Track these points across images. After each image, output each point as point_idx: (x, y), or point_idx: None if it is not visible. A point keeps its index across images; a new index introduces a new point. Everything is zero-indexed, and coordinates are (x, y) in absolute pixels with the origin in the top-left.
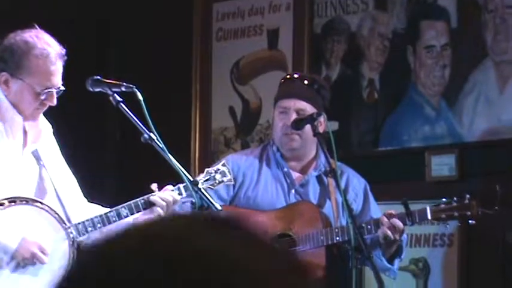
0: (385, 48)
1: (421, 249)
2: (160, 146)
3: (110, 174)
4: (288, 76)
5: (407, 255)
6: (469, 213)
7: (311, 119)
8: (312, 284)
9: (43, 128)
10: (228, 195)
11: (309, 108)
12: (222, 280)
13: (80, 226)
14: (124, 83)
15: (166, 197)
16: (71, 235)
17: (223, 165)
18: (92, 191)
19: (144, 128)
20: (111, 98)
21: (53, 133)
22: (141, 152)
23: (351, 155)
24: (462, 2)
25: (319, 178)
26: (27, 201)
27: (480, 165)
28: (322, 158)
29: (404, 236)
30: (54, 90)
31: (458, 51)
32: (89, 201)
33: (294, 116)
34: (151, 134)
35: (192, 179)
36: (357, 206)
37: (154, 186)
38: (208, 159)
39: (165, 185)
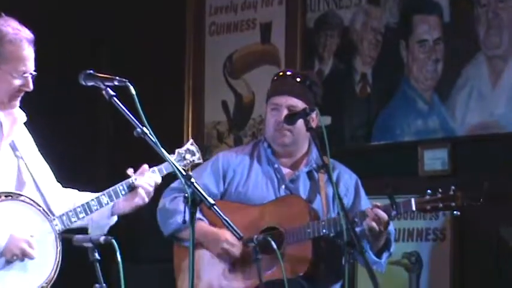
0: (377, 42)
1: (413, 244)
2: (153, 140)
3: (102, 168)
4: (281, 73)
5: (400, 250)
6: (453, 204)
7: (304, 114)
8: None
9: (18, 117)
10: (218, 190)
11: (300, 105)
12: None
13: (64, 217)
14: (117, 77)
15: (150, 182)
16: (56, 227)
17: (192, 144)
18: (84, 185)
19: (136, 122)
20: (104, 92)
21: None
22: (133, 147)
23: (343, 149)
24: None
25: (309, 174)
26: (11, 196)
27: (472, 159)
28: (314, 154)
29: (392, 229)
30: (29, 75)
31: (451, 45)
32: (63, 186)
33: (285, 113)
34: (144, 128)
35: (185, 174)
36: (347, 201)
37: (130, 171)
38: (201, 153)
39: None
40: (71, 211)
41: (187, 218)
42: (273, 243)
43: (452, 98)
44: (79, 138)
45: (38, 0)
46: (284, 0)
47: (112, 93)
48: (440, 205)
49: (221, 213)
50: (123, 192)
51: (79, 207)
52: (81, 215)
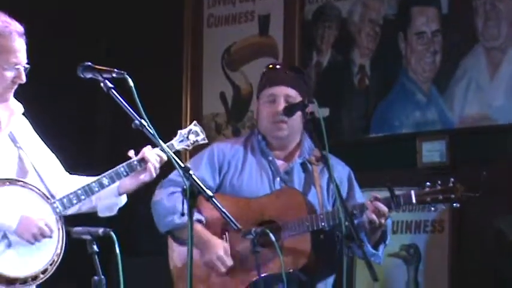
0: (376, 34)
1: (412, 236)
2: (151, 132)
3: (100, 161)
4: (270, 66)
5: (399, 242)
6: (453, 196)
7: (302, 106)
8: None
9: (14, 109)
10: (214, 183)
11: (296, 95)
12: None
13: (65, 200)
14: (115, 70)
15: (157, 157)
16: (57, 209)
17: (195, 125)
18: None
19: (135, 114)
20: (102, 85)
21: (24, 113)
22: (132, 139)
23: (342, 141)
24: None
25: (303, 165)
26: (10, 181)
27: (471, 151)
28: (306, 145)
29: (389, 221)
30: (21, 67)
31: (449, 37)
32: (70, 173)
33: (282, 103)
34: (143, 121)
35: (183, 165)
36: (341, 193)
37: (131, 153)
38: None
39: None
40: (71, 193)
41: (185, 210)
42: (271, 235)
43: (451, 90)
44: (78, 131)
45: None
46: None
47: (110, 85)
48: (440, 197)
49: (220, 206)
50: (124, 174)
51: (80, 189)
52: (82, 197)
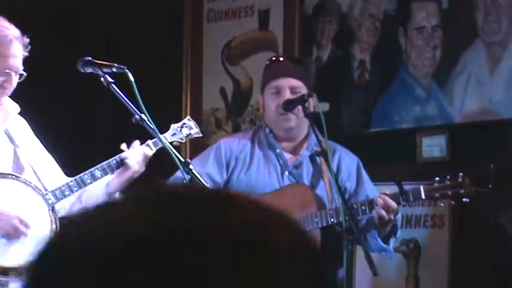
0: (376, 29)
1: (412, 230)
2: (152, 126)
3: (100, 155)
4: (273, 58)
5: (399, 236)
6: (462, 191)
7: (302, 100)
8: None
9: (10, 109)
10: (222, 179)
11: (301, 86)
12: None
13: (57, 191)
14: (115, 64)
15: (137, 152)
16: (50, 201)
17: (189, 119)
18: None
19: (135, 109)
20: (102, 79)
21: (23, 113)
22: (132, 133)
23: (342, 136)
24: None
25: (311, 158)
26: (1, 175)
27: (471, 146)
28: (313, 138)
29: (399, 215)
30: (12, 73)
31: (449, 32)
32: (69, 175)
33: (288, 94)
34: (143, 115)
35: (183, 160)
36: (350, 185)
37: (123, 146)
38: (199, 140)
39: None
40: (63, 185)
41: None
42: None
43: (451, 85)
44: (78, 126)
45: None
46: None
47: (110, 80)
48: (449, 192)
49: None
50: (116, 165)
51: (72, 181)
52: (75, 189)
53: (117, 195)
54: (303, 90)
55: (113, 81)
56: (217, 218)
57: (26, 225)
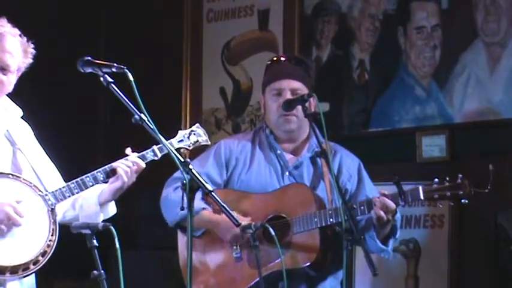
0: (375, 29)
1: (411, 231)
2: (151, 127)
3: (100, 156)
4: (274, 58)
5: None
6: (461, 192)
7: (302, 100)
8: None
9: (10, 110)
10: (222, 179)
11: (302, 87)
12: None
13: (57, 192)
14: (115, 64)
15: (127, 162)
16: (49, 202)
17: (198, 127)
18: (82, 173)
19: (135, 109)
20: (101, 79)
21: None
22: (131, 133)
23: (341, 136)
24: None
25: (312, 159)
26: (1, 174)
27: (470, 146)
28: (314, 139)
29: (398, 215)
30: (4, 67)
31: (449, 32)
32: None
33: (288, 96)
34: (142, 115)
35: (183, 160)
36: (351, 186)
37: (128, 150)
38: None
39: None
40: (64, 187)
41: (185, 204)
42: (271, 230)
43: (450, 85)
44: (78, 126)
45: None
46: None
47: (110, 79)
48: (448, 194)
49: (219, 200)
50: (106, 176)
51: (73, 183)
52: (75, 191)
53: (109, 206)
54: (304, 91)
55: (112, 81)
56: None
57: (20, 215)
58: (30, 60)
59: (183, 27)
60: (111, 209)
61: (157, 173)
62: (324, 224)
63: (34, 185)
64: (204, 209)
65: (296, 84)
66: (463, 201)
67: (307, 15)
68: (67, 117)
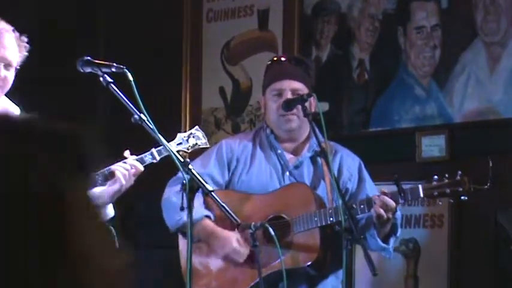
0: (375, 29)
1: (411, 230)
2: (151, 126)
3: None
4: (275, 59)
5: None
6: (461, 189)
7: (301, 100)
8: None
9: (8, 109)
10: (224, 179)
11: (302, 88)
12: None
13: None
14: (114, 64)
15: (125, 165)
16: None
17: (197, 129)
18: None
19: (134, 108)
20: (101, 79)
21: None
22: (131, 133)
23: (341, 136)
24: None
25: (312, 159)
26: None
27: (470, 146)
28: (314, 139)
29: (399, 214)
30: (1, 64)
31: (449, 32)
32: None
33: (289, 96)
34: (142, 115)
35: (182, 160)
36: (352, 185)
37: (127, 153)
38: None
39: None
40: None
41: (185, 204)
42: (270, 230)
43: (450, 85)
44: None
45: None
46: None
47: (109, 79)
48: (448, 191)
49: (219, 200)
50: (105, 178)
51: None
52: None
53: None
54: (304, 91)
55: (112, 81)
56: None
57: None
58: (25, 54)
59: (183, 27)
60: (109, 212)
61: (156, 175)
62: (324, 223)
63: None
64: (206, 216)
65: (297, 85)
66: (462, 198)
67: (307, 15)
68: (67, 117)
